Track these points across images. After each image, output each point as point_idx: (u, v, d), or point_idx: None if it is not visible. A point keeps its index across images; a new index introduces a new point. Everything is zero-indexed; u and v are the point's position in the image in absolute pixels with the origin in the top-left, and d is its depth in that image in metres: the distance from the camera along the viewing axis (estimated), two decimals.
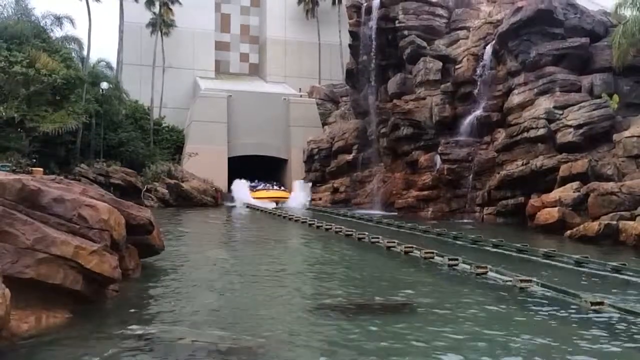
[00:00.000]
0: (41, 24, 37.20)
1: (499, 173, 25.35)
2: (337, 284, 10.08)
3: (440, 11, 32.59)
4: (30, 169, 27.05)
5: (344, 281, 10.29)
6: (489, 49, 28.40)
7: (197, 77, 50.05)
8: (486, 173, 26.65)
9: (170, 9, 45.98)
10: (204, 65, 51.47)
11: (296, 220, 24.07)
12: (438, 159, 28.89)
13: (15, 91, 31.26)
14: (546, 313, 7.85)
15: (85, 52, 40.25)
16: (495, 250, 14.98)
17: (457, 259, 11.80)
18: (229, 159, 41.71)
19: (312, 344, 6.35)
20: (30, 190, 7.33)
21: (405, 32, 31.93)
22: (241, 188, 38.11)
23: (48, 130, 31.56)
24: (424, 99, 30.69)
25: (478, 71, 29.00)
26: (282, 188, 40.49)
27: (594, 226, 17.59)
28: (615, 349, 6.31)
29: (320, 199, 38.12)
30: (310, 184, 39.47)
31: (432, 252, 12.71)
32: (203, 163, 38.59)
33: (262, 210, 31.51)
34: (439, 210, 27.95)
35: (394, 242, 14.62)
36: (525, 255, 13.87)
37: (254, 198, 36.74)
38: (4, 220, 6.55)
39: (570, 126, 23.30)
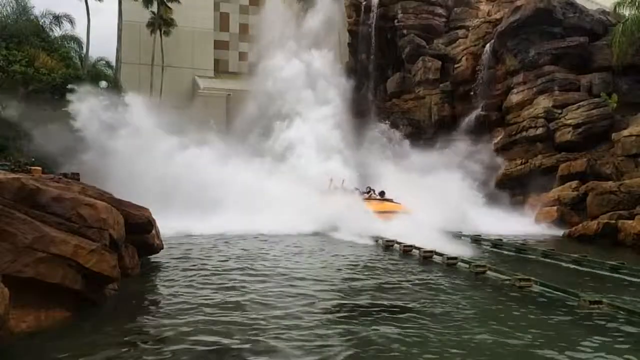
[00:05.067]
0: (40, 23, 37.13)
1: (497, 172, 25.37)
2: (335, 283, 10.08)
3: (439, 10, 32.61)
4: (29, 167, 26.99)
5: (342, 280, 10.29)
6: (488, 48, 28.43)
7: (196, 76, 49.97)
8: None
9: (169, 8, 45.88)
10: (202, 64, 51.37)
11: None
12: None
13: (14, 90, 31.22)
14: (545, 312, 7.86)
15: (84, 51, 40.21)
16: (495, 249, 15.01)
17: (455, 258, 11.81)
18: None
19: (313, 344, 6.34)
20: (29, 189, 7.32)
21: (405, 31, 31.95)
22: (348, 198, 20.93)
23: None
24: (423, 98, 30.70)
25: (477, 70, 29.03)
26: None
27: (592, 225, 17.62)
28: (614, 347, 6.32)
29: None
30: None
31: (431, 252, 12.72)
32: None
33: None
34: None
35: (393, 241, 14.70)
36: (524, 255, 13.88)
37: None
38: (3, 219, 6.53)
39: (569, 125, 23.35)
